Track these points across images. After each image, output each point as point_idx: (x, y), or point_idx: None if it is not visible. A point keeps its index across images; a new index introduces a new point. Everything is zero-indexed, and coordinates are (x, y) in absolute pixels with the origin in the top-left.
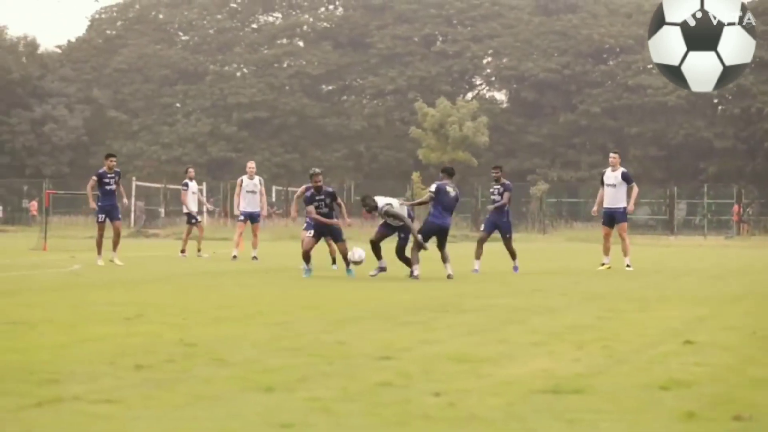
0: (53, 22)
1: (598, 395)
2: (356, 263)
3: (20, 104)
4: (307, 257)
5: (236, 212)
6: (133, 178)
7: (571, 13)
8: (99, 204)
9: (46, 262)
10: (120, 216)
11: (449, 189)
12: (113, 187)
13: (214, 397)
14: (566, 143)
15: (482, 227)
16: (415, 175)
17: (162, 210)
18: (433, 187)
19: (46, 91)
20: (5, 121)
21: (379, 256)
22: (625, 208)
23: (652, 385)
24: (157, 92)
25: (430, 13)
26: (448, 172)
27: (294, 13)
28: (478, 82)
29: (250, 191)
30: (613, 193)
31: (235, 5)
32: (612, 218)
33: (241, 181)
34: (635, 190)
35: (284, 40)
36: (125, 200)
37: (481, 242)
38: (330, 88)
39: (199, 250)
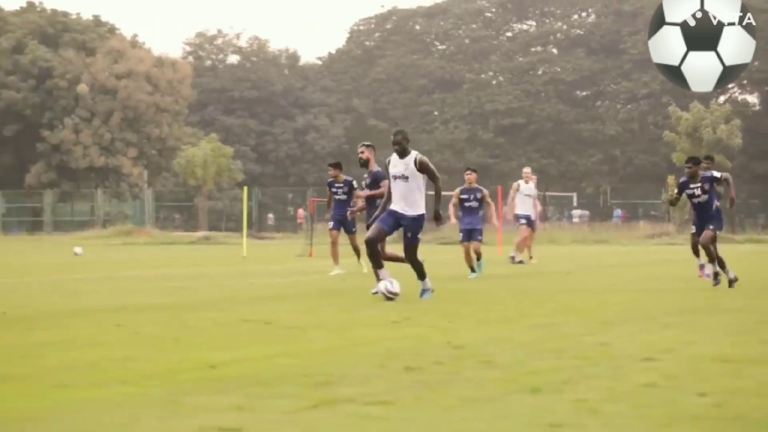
0: (314, 35)
1: None
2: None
3: (283, 115)
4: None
5: (510, 216)
6: None
7: None
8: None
9: (313, 268)
10: (354, 228)
11: None
12: (342, 197)
13: (483, 399)
14: None
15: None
16: (671, 179)
17: None
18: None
19: (307, 102)
20: (269, 131)
21: (379, 264)
22: None
23: None
24: (415, 101)
25: None
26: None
27: (547, 21)
28: (730, 86)
29: (526, 195)
30: None
31: (489, 15)
32: None
33: (518, 185)
34: None
35: (538, 48)
36: (349, 212)
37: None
38: (584, 93)
39: (528, 257)
